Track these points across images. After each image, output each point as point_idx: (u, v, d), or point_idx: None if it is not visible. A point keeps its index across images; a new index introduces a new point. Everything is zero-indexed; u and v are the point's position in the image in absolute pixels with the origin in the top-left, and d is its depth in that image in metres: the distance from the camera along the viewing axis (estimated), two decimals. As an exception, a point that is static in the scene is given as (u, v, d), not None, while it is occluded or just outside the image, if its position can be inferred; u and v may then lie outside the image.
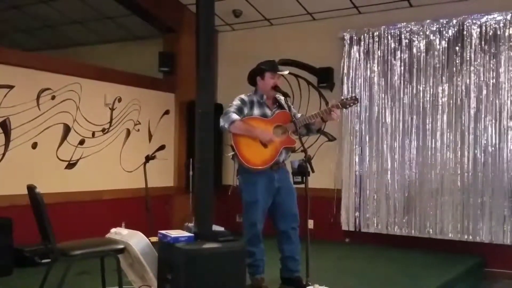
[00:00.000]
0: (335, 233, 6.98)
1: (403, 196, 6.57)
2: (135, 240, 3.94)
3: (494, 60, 6.10)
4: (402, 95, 6.62)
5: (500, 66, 6.06)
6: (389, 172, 6.66)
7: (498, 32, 6.07)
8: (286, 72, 4.53)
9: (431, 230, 6.37)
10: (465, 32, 6.24)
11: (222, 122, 4.31)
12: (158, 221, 5.52)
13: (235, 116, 4.29)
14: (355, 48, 6.94)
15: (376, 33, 6.80)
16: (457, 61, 6.29)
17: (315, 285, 3.86)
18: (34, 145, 5.85)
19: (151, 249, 3.97)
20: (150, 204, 5.38)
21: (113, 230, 4.18)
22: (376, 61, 6.80)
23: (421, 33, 6.50)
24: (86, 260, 3.79)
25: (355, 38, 6.94)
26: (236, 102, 4.41)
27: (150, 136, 7.32)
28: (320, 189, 6.43)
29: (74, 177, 6.27)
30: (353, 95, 6.08)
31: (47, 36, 9.12)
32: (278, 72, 4.44)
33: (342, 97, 4.66)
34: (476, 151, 6.16)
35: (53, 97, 6.05)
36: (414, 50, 6.55)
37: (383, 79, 6.74)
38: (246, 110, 4.39)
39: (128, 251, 3.92)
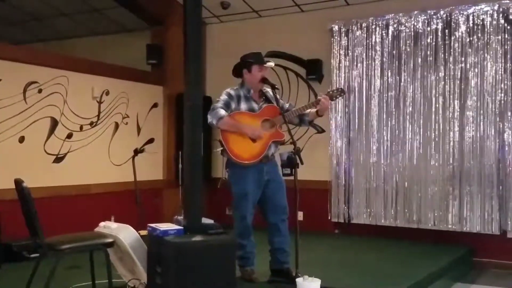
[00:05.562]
0: (324, 225, 7.01)
1: (392, 187, 6.60)
2: (124, 233, 3.93)
3: (482, 50, 6.12)
4: (390, 86, 6.63)
5: (487, 57, 6.09)
6: (377, 164, 6.68)
7: (486, 23, 6.09)
8: (273, 64, 4.51)
9: (420, 221, 6.41)
10: (452, 23, 6.26)
11: (210, 119, 4.29)
12: (147, 215, 5.51)
13: (222, 112, 4.27)
14: (343, 39, 6.94)
15: (364, 25, 6.80)
16: (445, 52, 6.32)
17: (305, 276, 3.87)
18: (21, 139, 5.81)
19: (141, 242, 3.96)
20: (140, 198, 5.37)
21: (102, 224, 4.17)
22: (364, 52, 6.80)
23: (409, 24, 6.51)
24: (75, 254, 3.77)
25: (344, 29, 6.94)
26: (223, 97, 4.39)
27: (139, 129, 7.28)
28: (309, 181, 6.44)
29: (62, 171, 6.23)
30: (340, 87, 6.12)
31: (34, 29, 9.03)
32: (265, 65, 4.42)
33: (329, 90, 4.66)
34: (464, 141, 6.20)
35: (40, 91, 6.00)
36: (402, 41, 6.56)
37: (371, 70, 6.75)
38: (233, 105, 4.37)
39: (118, 245, 3.91)
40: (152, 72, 7.74)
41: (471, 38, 6.17)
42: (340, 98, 4.97)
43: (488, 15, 6.07)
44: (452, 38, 6.27)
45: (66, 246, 3.58)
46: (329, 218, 6.99)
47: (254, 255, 4.47)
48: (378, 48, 6.71)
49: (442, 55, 6.33)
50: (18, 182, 3.64)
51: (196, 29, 3.94)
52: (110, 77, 6.88)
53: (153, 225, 3.83)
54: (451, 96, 6.28)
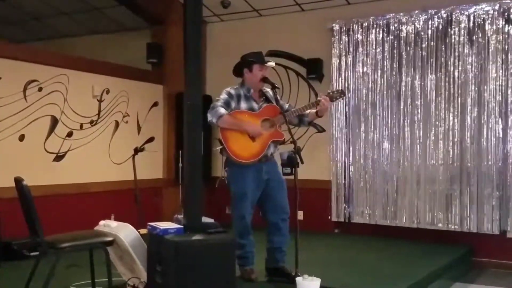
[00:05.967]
0: (324, 224, 7.00)
1: (392, 187, 6.60)
2: (124, 232, 3.93)
3: (482, 50, 6.12)
4: (390, 86, 6.63)
5: (487, 57, 6.08)
6: (377, 163, 6.68)
7: (486, 23, 6.09)
8: (273, 64, 4.51)
9: (420, 221, 6.41)
10: (453, 23, 6.26)
11: (210, 117, 4.28)
12: (147, 213, 5.51)
13: (222, 111, 4.26)
14: (344, 39, 6.93)
15: (365, 24, 6.80)
16: (445, 52, 6.31)
17: (305, 275, 3.87)
18: (22, 138, 5.81)
19: (141, 241, 3.96)
20: (140, 197, 5.37)
21: (102, 222, 4.17)
22: (365, 51, 6.80)
23: (410, 24, 6.51)
24: (75, 252, 3.77)
25: (344, 29, 6.93)
26: (223, 96, 4.38)
27: (139, 128, 7.28)
28: (309, 181, 6.43)
29: (62, 169, 6.23)
30: (340, 88, 6.11)
31: (34, 28, 9.03)
32: (266, 64, 4.41)
33: (329, 91, 4.65)
34: (464, 140, 6.20)
35: (40, 89, 6.00)
36: (403, 41, 6.55)
37: (371, 70, 6.75)
38: (233, 104, 4.36)
39: (117, 244, 3.91)
40: (152, 71, 7.74)
41: (472, 38, 6.17)
42: (340, 99, 4.97)
43: (489, 15, 6.07)
44: (453, 37, 6.27)
45: (66, 245, 3.57)
46: (329, 217, 6.99)
47: (253, 255, 4.47)
48: (378, 47, 6.71)
49: (443, 55, 6.33)
50: (18, 181, 3.64)
51: (196, 28, 3.94)
52: (111, 76, 6.88)
53: (153, 224, 3.83)
54: (452, 96, 6.28)
